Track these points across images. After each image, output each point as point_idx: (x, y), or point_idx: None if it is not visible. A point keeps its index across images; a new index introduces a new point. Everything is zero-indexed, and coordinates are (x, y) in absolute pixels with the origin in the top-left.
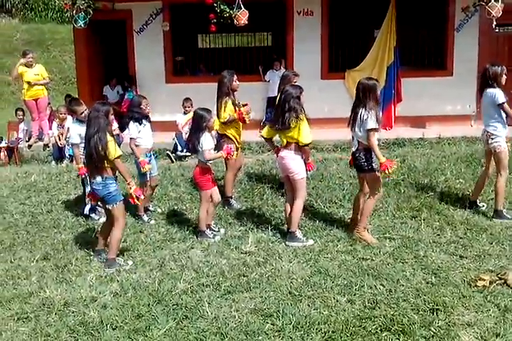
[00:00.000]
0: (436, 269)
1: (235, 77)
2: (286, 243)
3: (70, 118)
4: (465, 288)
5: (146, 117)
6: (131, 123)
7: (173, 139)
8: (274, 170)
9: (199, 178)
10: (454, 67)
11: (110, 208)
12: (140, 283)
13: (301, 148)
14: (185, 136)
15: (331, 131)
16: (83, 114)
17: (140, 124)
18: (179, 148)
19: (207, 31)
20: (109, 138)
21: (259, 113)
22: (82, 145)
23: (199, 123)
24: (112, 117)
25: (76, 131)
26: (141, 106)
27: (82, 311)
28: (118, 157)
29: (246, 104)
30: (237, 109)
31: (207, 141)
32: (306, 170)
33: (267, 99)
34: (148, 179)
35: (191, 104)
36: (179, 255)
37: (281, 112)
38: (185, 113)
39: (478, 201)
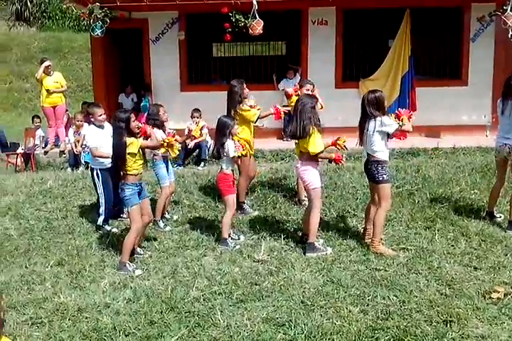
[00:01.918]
0: (450, 280)
1: (245, 85)
2: (306, 254)
3: (86, 125)
4: (479, 300)
5: (163, 125)
6: (154, 129)
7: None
8: (288, 179)
9: (221, 184)
10: (469, 77)
11: (126, 210)
12: (153, 290)
13: (314, 158)
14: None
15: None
16: (101, 117)
17: (163, 131)
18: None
19: (222, 40)
20: (129, 140)
21: (271, 122)
22: (102, 147)
23: (223, 130)
24: (134, 124)
25: (93, 134)
26: (160, 114)
27: (95, 317)
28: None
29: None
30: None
31: (232, 148)
32: (337, 161)
33: None
34: (168, 182)
35: (200, 115)
36: (192, 262)
37: (297, 122)
38: (195, 124)
39: (495, 212)
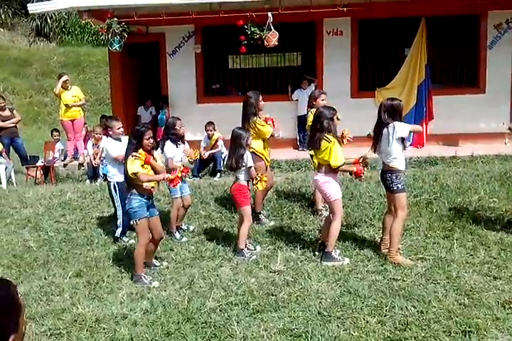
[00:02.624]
0: (469, 290)
1: (261, 97)
2: (323, 263)
3: (105, 138)
4: (499, 310)
5: (182, 138)
6: (168, 143)
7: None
8: (304, 189)
9: (237, 195)
10: (487, 85)
11: (132, 224)
12: (170, 300)
13: (334, 170)
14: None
15: (360, 149)
16: (119, 130)
17: (176, 145)
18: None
19: (238, 52)
20: (130, 160)
21: (289, 131)
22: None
23: (239, 142)
24: (146, 142)
25: (112, 146)
26: (176, 127)
27: (112, 328)
28: (135, 173)
29: (271, 119)
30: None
31: (250, 159)
32: (357, 175)
33: (297, 118)
34: (180, 196)
35: (214, 128)
36: (208, 273)
37: (313, 133)
38: (208, 137)
39: None
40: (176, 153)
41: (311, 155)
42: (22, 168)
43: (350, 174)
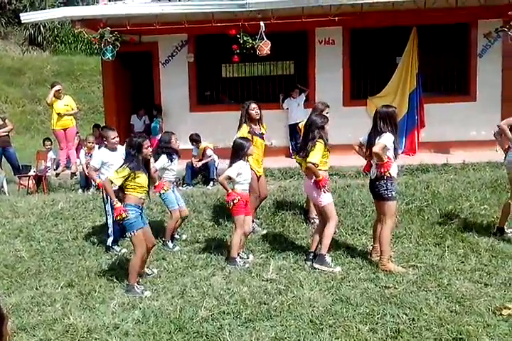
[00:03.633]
0: (460, 297)
1: (252, 106)
2: (314, 265)
3: (97, 147)
4: (490, 317)
5: (176, 152)
6: (163, 156)
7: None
8: (297, 197)
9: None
10: (478, 93)
11: (128, 235)
12: (162, 310)
13: (306, 169)
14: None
15: (353, 157)
16: (114, 139)
17: (171, 160)
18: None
19: (230, 61)
20: (122, 168)
21: (281, 140)
22: (105, 170)
23: (238, 152)
24: (145, 151)
25: (100, 156)
26: (172, 141)
27: (104, 338)
28: (111, 181)
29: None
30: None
31: (234, 168)
32: (320, 184)
33: (288, 127)
34: (177, 207)
35: (196, 139)
36: (201, 282)
37: (305, 141)
38: (196, 147)
39: (505, 227)
40: (171, 167)
41: (300, 163)
42: (14, 178)
43: (314, 181)
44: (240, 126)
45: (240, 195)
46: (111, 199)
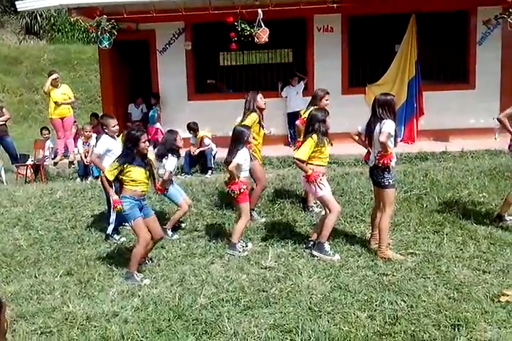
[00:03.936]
0: (458, 284)
1: (257, 96)
2: (312, 252)
3: (94, 135)
4: (488, 304)
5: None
6: (170, 157)
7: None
8: (295, 185)
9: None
10: (477, 80)
11: (130, 226)
12: (161, 298)
13: (317, 167)
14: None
15: (351, 145)
16: (115, 127)
17: (177, 158)
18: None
19: (228, 49)
20: (113, 163)
21: (279, 128)
22: (107, 156)
23: (239, 139)
24: (142, 145)
25: (105, 143)
26: (177, 140)
27: (103, 326)
28: (105, 175)
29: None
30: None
31: (241, 155)
32: (309, 179)
33: (287, 115)
34: (182, 198)
35: (193, 128)
36: (199, 270)
37: (306, 135)
38: (193, 135)
39: (505, 215)
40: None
41: None
42: (12, 167)
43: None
44: (245, 114)
45: (245, 182)
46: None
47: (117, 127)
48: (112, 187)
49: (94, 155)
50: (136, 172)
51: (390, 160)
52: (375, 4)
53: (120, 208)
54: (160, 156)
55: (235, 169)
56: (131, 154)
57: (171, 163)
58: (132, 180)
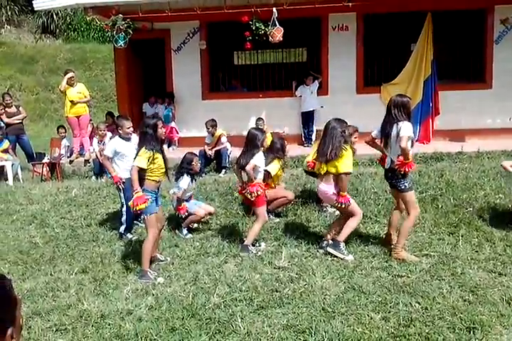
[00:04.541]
0: (473, 287)
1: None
2: (327, 249)
3: (109, 134)
4: (503, 307)
5: (197, 174)
6: (185, 176)
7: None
8: (309, 185)
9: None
10: (494, 80)
11: (142, 218)
12: (174, 296)
13: (337, 177)
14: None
15: (366, 145)
16: (129, 129)
17: (192, 181)
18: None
19: (243, 48)
20: (143, 151)
21: (293, 128)
22: (118, 159)
23: (254, 142)
24: (160, 131)
25: (113, 145)
26: (193, 163)
27: (118, 324)
28: (139, 168)
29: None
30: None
31: (257, 157)
32: (338, 201)
33: (301, 114)
34: (198, 209)
35: (213, 125)
36: (213, 269)
37: (326, 146)
38: (212, 134)
39: None
40: (189, 187)
41: (309, 172)
42: (28, 165)
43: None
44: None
45: (261, 185)
46: (133, 187)
47: (132, 129)
48: (139, 184)
49: (104, 158)
50: (160, 160)
51: (411, 168)
52: (391, 3)
53: (145, 207)
54: (175, 175)
55: (253, 170)
56: (154, 140)
57: (184, 181)
58: (158, 169)
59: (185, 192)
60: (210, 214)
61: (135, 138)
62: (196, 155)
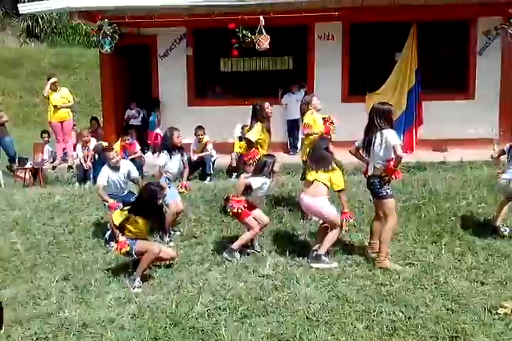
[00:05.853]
0: (456, 296)
1: (267, 104)
2: (311, 265)
3: (93, 140)
4: (486, 316)
5: (179, 148)
6: (162, 153)
7: None
8: (294, 193)
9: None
10: (477, 91)
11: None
12: (157, 305)
13: (339, 194)
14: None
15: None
16: (114, 159)
17: (170, 156)
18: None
19: (229, 55)
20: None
21: (279, 136)
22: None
23: (262, 170)
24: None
25: (105, 174)
26: (173, 137)
27: (99, 332)
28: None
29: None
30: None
31: (257, 180)
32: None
33: (287, 122)
34: (172, 201)
35: (203, 132)
36: (197, 277)
37: (313, 161)
38: (199, 141)
39: (501, 225)
40: (169, 163)
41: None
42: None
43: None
44: (252, 126)
45: (245, 202)
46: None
47: (117, 158)
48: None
49: (99, 188)
50: (141, 224)
51: (398, 176)
52: (376, 13)
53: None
54: (154, 152)
55: (243, 186)
56: (146, 207)
57: (161, 158)
58: (134, 228)
59: (162, 169)
60: (178, 213)
61: (124, 166)
62: (176, 129)
